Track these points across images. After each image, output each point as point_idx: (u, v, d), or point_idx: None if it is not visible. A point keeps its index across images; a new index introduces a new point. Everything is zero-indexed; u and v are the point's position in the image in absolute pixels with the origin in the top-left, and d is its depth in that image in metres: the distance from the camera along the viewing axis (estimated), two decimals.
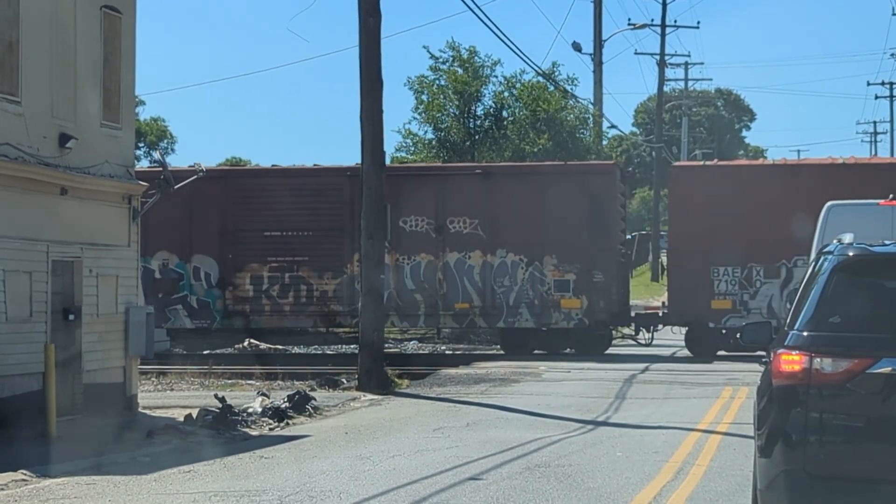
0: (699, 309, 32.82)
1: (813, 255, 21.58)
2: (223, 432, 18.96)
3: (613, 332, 36.71)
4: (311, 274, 34.57)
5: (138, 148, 74.23)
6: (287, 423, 20.63)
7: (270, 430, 19.96)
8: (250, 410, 21.15)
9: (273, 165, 37.85)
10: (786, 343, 9.44)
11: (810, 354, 9.21)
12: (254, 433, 19.47)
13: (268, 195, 34.47)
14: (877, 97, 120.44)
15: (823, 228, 20.65)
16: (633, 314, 36.13)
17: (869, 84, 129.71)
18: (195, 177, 24.59)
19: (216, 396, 21.11)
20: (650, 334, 36.15)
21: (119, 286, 22.68)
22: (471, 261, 33.80)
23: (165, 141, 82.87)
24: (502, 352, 34.77)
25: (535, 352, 33.91)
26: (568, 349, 34.15)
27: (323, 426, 20.12)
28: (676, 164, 36.17)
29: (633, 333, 37.29)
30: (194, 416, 20.12)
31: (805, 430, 9.13)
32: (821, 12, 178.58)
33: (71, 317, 21.10)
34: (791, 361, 9.26)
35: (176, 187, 23.54)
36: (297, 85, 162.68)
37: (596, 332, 34.07)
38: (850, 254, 9.66)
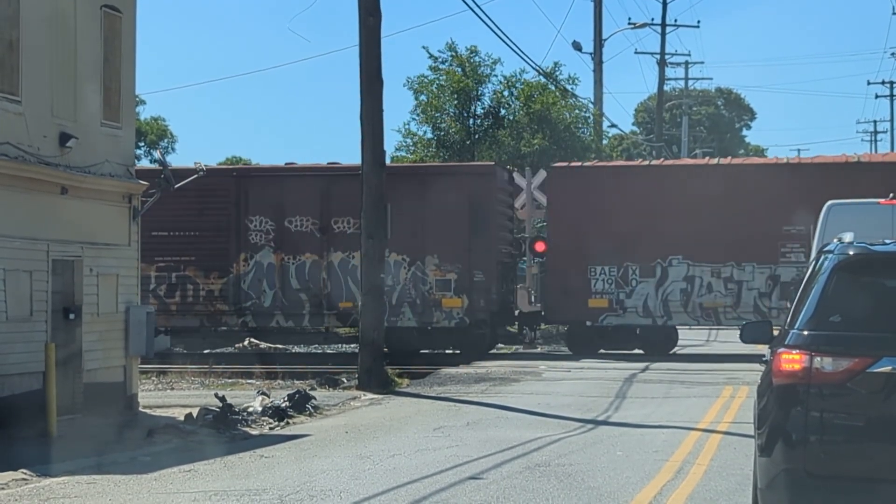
0: (577, 308, 33.35)
1: (813, 255, 21.64)
2: (224, 431, 18.97)
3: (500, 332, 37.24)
4: (198, 273, 34.84)
5: (139, 147, 74.10)
6: (287, 423, 20.63)
7: (271, 429, 19.97)
8: (250, 410, 21.15)
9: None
10: (786, 342, 9.43)
11: (810, 353, 9.19)
12: (254, 432, 19.48)
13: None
14: (877, 96, 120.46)
15: (823, 227, 20.66)
16: (516, 313, 36.59)
17: (869, 83, 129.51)
18: (195, 175, 24.59)
19: (216, 396, 21.12)
20: (533, 333, 36.69)
21: (119, 285, 22.69)
22: (354, 260, 33.78)
23: (166, 140, 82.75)
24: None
25: (422, 351, 34.46)
26: (450, 349, 34.49)
27: (323, 425, 20.12)
28: (554, 164, 36.72)
29: (519, 332, 37.79)
30: (195, 415, 20.13)
31: (805, 429, 9.11)
32: (821, 11, 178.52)
33: (71, 316, 21.11)
34: (791, 360, 9.24)
35: (176, 186, 23.54)
36: (298, 84, 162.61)
37: (477, 332, 34.37)
38: (851, 253, 9.64)
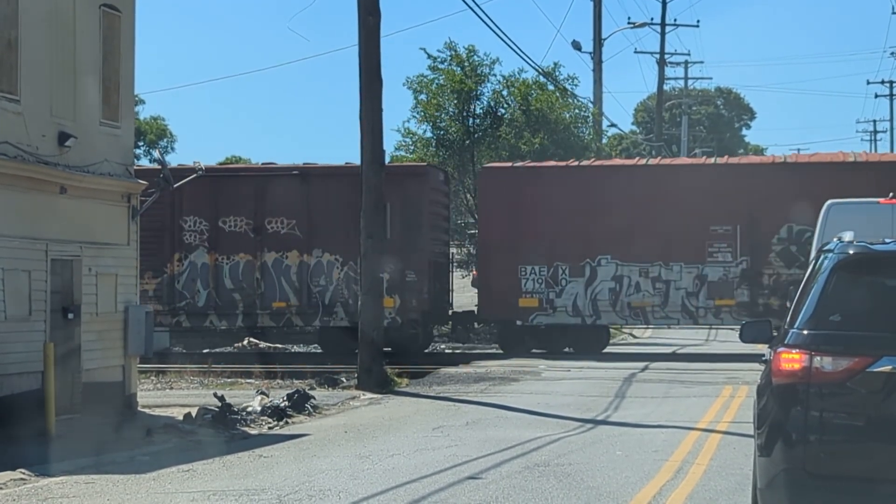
0: (508, 307, 33.49)
1: (813, 254, 21.63)
2: (222, 431, 18.94)
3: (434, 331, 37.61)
4: None
5: (138, 147, 74.15)
6: (286, 422, 20.60)
7: (270, 428, 19.94)
8: (249, 409, 21.13)
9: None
10: (786, 341, 9.39)
11: (810, 353, 9.16)
12: (253, 432, 19.44)
13: None
14: (877, 96, 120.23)
15: (823, 227, 20.63)
16: (450, 313, 36.81)
17: (869, 83, 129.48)
18: (194, 175, 24.57)
19: (215, 395, 21.09)
20: (467, 333, 37.10)
21: (118, 285, 22.66)
22: (288, 260, 34.26)
23: (165, 140, 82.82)
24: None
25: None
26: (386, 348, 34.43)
27: (322, 425, 20.10)
28: (486, 165, 37.06)
29: (452, 331, 37.96)
30: (193, 414, 20.10)
31: (805, 428, 9.08)
32: (820, 11, 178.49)
33: (70, 315, 21.08)
34: (791, 360, 9.21)
35: (175, 186, 23.51)
36: (299, 83, 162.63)
37: (410, 331, 34.43)
38: (851, 252, 9.60)
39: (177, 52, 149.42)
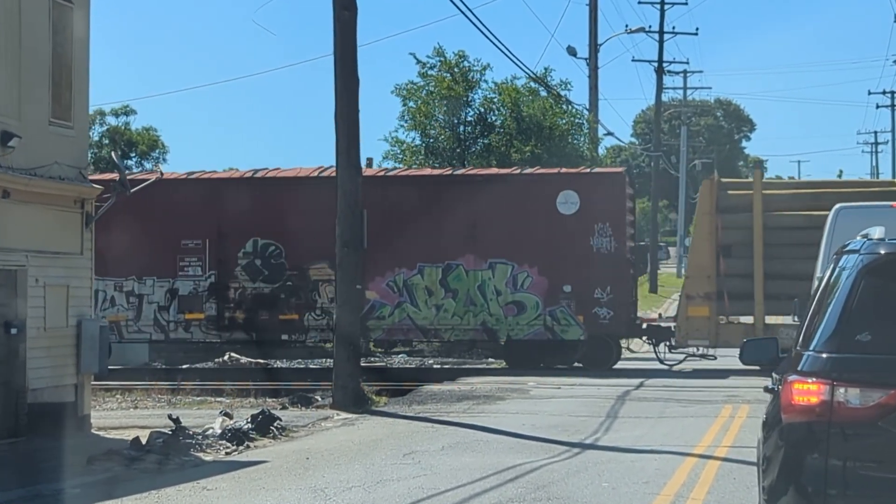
0: None
1: (820, 263, 19.96)
2: (172, 458, 17.21)
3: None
4: None
5: (129, 157, 72.66)
6: (247, 446, 18.92)
7: (227, 454, 18.25)
8: (209, 432, 19.44)
9: None
10: (800, 368, 7.27)
11: (831, 383, 7.09)
12: (207, 458, 17.73)
13: None
14: (878, 106, 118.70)
15: (832, 233, 18.98)
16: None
17: (870, 93, 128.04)
18: (152, 179, 22.99)
19: (170, 417, 19.43)
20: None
21: (70, 297, 21.02)
22: None
23: (157, 151, 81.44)
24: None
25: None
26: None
27: (284, 450, 18.41)
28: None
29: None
30: (145, 438, 18.40)
31: (824, 480, 6.98)
32: (821, 20, 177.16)
33: (13, 331, 19.44)
34: (807, 392, 7.11)
35: (132, 191, 21.89)
36: (296, 92, 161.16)
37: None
38: (883, 252, 7.48)
39: (174, 64, 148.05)
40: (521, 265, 31.54)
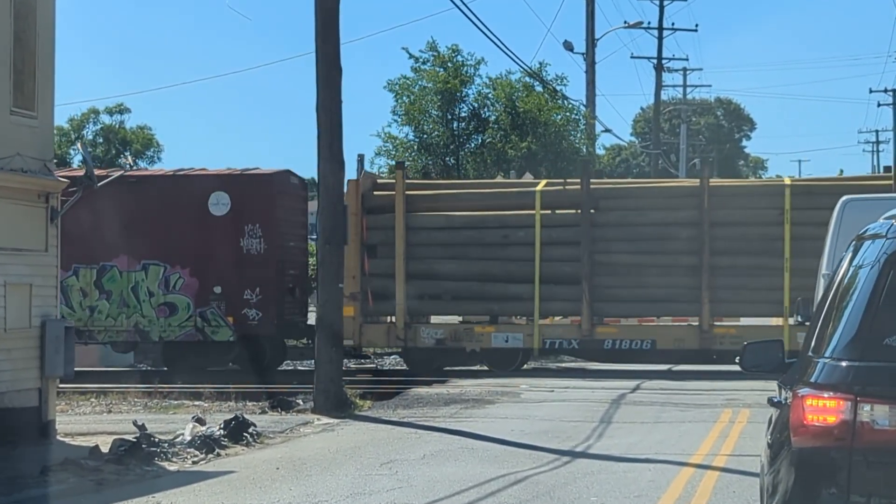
0: None
1: (825, 259, 18.81)
2: (133, 468, 16.10)
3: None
4: None
5: (122, 155, 71.47)
6: (217, 454, 17.81)
7: (194, 463, 17.12)
8: (178, 440, 18.34)
9: None
10: (813, 379, 5.87)
11: (854, 398, 5.67)
12: (172, 468, 16.61)
13: None
14: (879, 104, 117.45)
15: (838, 226, 17.84)
16: None
17: (871, 91, 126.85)
18: (119, 174, 21.91)
19: (135, 423, 18.32)
20: None
21: (33, 296, 19.89)
22: None
23: (152, 149, 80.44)
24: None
25: None
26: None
27: (255, 459, 17.29)
28: None
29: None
30: (107, 447, 17.29)
31: None
32: (822, 18, 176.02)
33: None
34: (822, 410, 5.72)
35: (100, 184, 20.80)
36: (292, 90, 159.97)
37: None
38: None
39: (172, 62, 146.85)
40: (174, 266, 30.97)
